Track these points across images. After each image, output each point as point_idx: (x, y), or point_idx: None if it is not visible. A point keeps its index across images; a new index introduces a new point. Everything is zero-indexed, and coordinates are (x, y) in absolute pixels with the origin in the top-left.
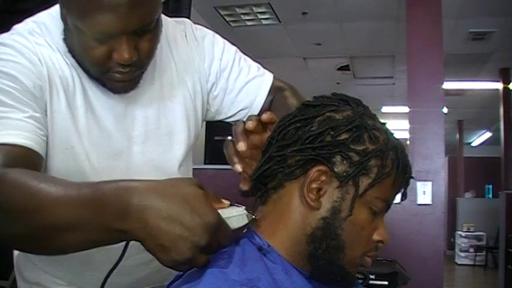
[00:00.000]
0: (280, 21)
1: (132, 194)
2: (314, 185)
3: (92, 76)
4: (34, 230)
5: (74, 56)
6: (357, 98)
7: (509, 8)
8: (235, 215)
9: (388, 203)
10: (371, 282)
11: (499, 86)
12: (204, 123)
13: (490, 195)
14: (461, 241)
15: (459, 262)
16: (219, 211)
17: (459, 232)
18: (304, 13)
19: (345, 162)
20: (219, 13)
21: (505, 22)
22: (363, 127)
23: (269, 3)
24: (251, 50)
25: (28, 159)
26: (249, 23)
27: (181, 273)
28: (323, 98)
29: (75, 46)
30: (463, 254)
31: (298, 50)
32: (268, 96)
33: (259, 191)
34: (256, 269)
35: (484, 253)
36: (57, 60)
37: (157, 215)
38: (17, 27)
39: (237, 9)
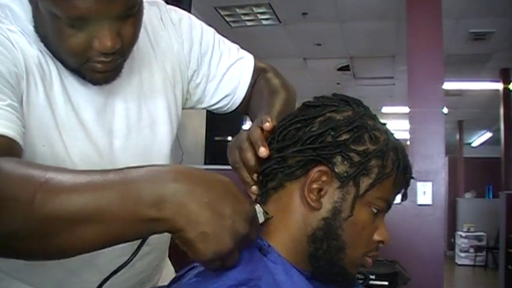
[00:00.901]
0: (280, 22)
1: (167, 178)
2: (315, 186)
3: (68, 67)
4: (39, 224)
5: (47, 45)
6: (358, 99)
7: (509, 9)
8: (257, 211)
9: (388, 203)
10: (371, 282)
11: (499, 86)
12: (204, 123)
13: (490, 196)
14: (461, 241)
15: (459, 262)
16: None
17: (459, 232)
18: (304, 13)
19: (345, 162)
20: (219, 13)
21: (505, 22)
22: (364, 127)
23: (269, 4)
24: (251, 50)
25: (11, 151)
26: (249, 23)
27: (181, 273)
28: (323, 99)
29: (49, 34)
30: (463, 255)
31: (298, 50)
32: (251, 79)
33: (259, 191)
34: (257, 269)
35: (484, 253)
36: (30, 47)
37: (199, 200)
38: None
39: (237, 10)
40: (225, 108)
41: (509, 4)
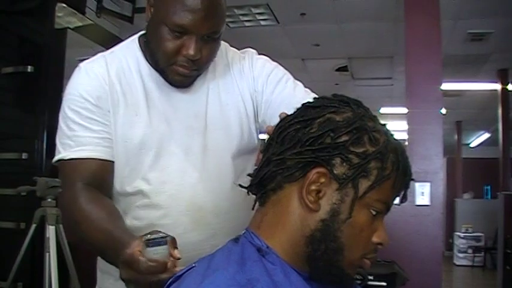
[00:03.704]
0: (278, 22)
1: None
2: (313, 187)
3: (159, 66)
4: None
5: (149, 47)
6: (358, 99)
7: (507, 9)
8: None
9: (387, 205)
10: (369, 283)
11: (498, 87)
12: None
13: (489, 196)
14: (459, 242)
15: (457, 263)
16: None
17: (457, 233)
18: (302, 14)
19: (344, 164)
20: None
21: (504, 23)
22: (363, 129)
23: (267, 4)
24: None
25: (99, 170)
26: (247, 24)
27: (180, 273)
28: (323, 99)
29: (154, 38)
30: (461, 255)
31: (296, 51)
32: None
33: (258, 192)
34: (255, 269)
35: (482, 254)
36: (124, 73)
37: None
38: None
39: (236, 10)
40: None
41: (507, 5)
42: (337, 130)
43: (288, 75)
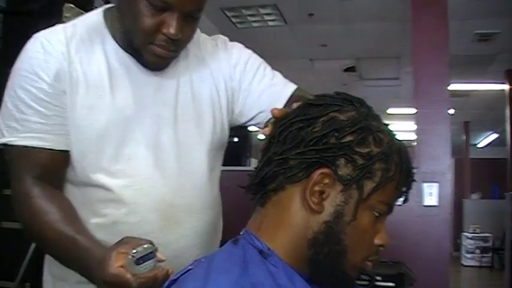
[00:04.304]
0: (286, 23)
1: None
2: (317, 188)
3: (133, 46)
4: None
5: (122, 25)
6: (360, 98)
7: None
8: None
9: (390, 207)
10: (377, 283)
11: (505, 87)
12: None
13: (496, 197)
14: (467, 242)
15: (465, 263)
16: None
17: (465, 233)
18: (310, 14)
19: (349, 165)
20: (226, 14)
21: (510, 23)
22: (368, 129)
23: (275, 5)
24: (257, 52)
25: (50, 162)
26: (255, 25)
27: (176, 277)
28: (326, 97)
29: (128, 14)
30: (469, 256)
31: (304, 51)
32: (288, 101)
33: (258, 192)
34: (258, 273)
35: (490, 254)
36: (85, 51)
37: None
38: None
39: (243, 11)
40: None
41: None
42: (342, 130)
43: (265, 63)
